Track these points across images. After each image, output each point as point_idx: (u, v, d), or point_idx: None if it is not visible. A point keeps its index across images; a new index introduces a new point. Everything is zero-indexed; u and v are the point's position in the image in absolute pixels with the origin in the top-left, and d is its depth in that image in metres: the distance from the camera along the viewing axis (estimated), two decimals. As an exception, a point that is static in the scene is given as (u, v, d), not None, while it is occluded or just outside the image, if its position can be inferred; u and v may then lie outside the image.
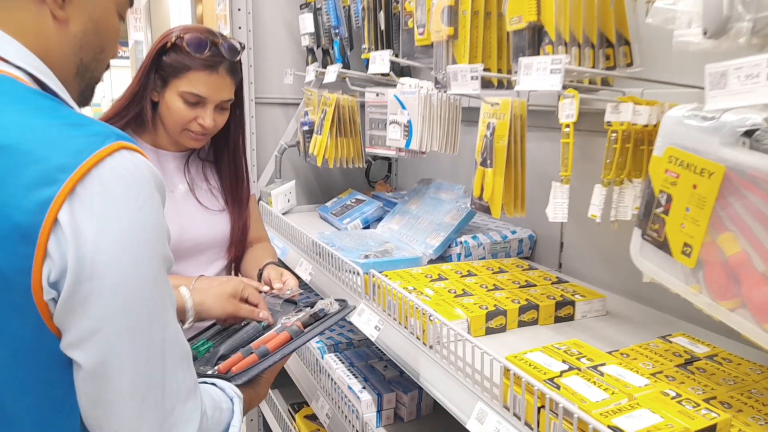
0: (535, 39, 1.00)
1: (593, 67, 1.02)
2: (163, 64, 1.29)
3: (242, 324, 1.06)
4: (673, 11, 0.78)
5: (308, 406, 2.11)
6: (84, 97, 0.79)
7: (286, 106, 2.36)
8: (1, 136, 0.59)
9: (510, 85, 1.24)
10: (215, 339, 1.03)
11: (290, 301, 1.11)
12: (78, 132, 0.62)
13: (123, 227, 0.62)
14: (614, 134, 1.00)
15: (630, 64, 1.08)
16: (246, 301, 1.10)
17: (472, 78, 1.04)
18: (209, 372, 0.93)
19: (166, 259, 0.68)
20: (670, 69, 1.16)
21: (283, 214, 2.09)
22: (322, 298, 1.06)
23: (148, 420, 0.66)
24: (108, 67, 0.82)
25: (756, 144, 0.69)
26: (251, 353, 0.93)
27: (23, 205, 0.58)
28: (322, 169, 2.38)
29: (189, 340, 1.07)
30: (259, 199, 2.20)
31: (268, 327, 1.03)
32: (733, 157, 0.72)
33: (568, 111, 0.95)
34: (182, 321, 1.04)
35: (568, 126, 0.96)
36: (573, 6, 0.97)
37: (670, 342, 1.06)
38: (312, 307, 1.02)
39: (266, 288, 1.19)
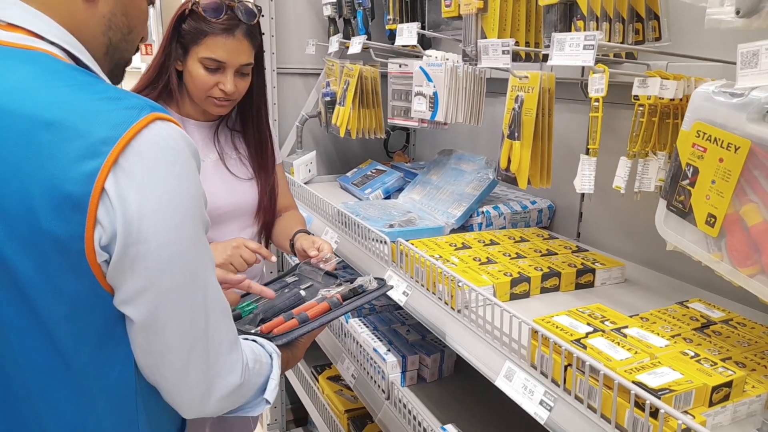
0: (566, 13, 1.02)
1: (622, 41, 1.04)
2: (182, 32, 1.32)
3: (285, 291, 1.13)
4: (706, -11, 0.80)
5: (330, 368, 2.20)
6: (114, 76, 0.83)
7: (306, 76, 2.38)
8: (47, 112, 0.64)
9: (537, 58, 1.26)
10: (259, 301, 1.10)
11: (331, 275, 1.18)
12: (115, 105, 0.66)
13: (163, 194, 0.67)
14: (641, 108, 1.03)
15: (658, 38, 1.10)
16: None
17: (503, 52, 1.07)
18: (253, 331, 1.00)
19: (203, 221, 0.73)
20: (696, 42, 1.18)
21: (305, 183, 2.14)
22: (361, 275, 1.12)
23: (195, 368, 0.73)
24: (138, 49, 0.85)
25: (782, 120, 0.73)
26: (292, 318, 1.00)
27: (73, 177, 0.63)
28: (341, 140, 2.42)
29: None
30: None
31: (309, 296, 1.10)
32: (759, 132, 0.75)
33: (597, 85, 0.98)
34: None
35: (597, 100, 0.99)
36: (605, -19, 0.98)
37: (687, 307, 1.11)
38: (352, 283, 1.09)
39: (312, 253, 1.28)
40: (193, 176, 0.71)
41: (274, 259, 1.26)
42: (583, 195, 1.60)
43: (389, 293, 1.31)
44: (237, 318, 1.07)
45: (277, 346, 0.93)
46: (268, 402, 0.86)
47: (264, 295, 1.08)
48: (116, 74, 0.83)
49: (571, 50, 0.92)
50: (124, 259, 0.66)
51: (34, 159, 0.63)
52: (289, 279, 1.20)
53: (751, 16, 0.74)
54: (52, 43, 0.71)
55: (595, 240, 1.57)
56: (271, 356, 0.89)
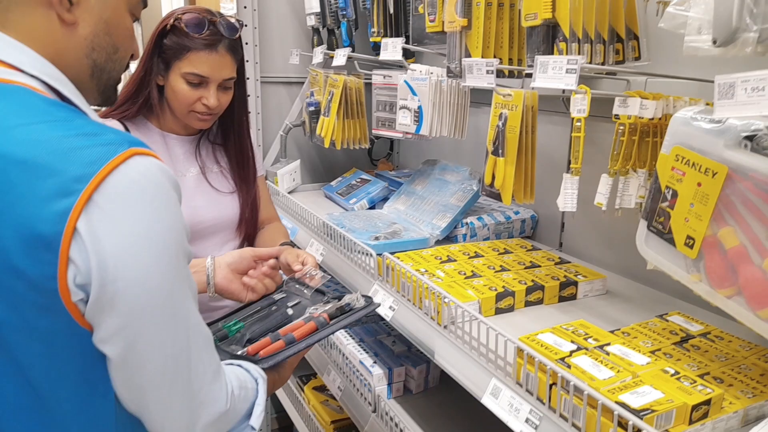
0: (549, 35, 1.04)
1: (603, 62, 1.06)
2: (164, 47, 1.31)
3: (272, 308, 1.12)
4: (684, 17, 0.82)
5: (316, 377, 2.20)
6: (106, 97, 0.81)
7: (289, 85, 2.37)
8: (20, 150, 0.62)
9: (520, 74, 1.28)
10: (246, 320, 1.10)
11: (319, 291, 1.18)
12: (92, 142, 0.64)
13: (141, 230, 0.65)
14: (621, 127, 1.05)
15: (638, 58, 1.12)
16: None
17: (487, 72, 1.08)
18: (239, 352, 1.00)
19: (185, 253, 0.72)
20: (674, 60, 1.20)
21: (289, 193, 2.14)
22: (349, 292, 1.12)
23: (178, 400, 0.72)
24: (128, 66, 0.84)
25: (757, 147, 0.75)
26: (279, 339, 0.99)
27: (44, 216, 0.61)
28: (326, 148, 2.41)
29: (222, 319, 1.13)
30: (266, 179, 2.23)
31: (296, 314, 1.10)
32: (735, 158, 0.78)
33: (579, 106, 1.00)
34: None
35: (579, 120, 1.01)
36: (586, 4, 1.00)
37: (667, 321, 1.14)
38: (339, 300, 1.09)
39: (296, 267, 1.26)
40: (174, 209, 0.70)
41: None
42: (565, 206, 1.62)
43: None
44: (223, 338, 1.06)
45: (263, 368, 0.92)
46: (253, 428, 0.86)
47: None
48: (108, 96, 0.82)
49: (555, 73, 0.93)
50: (102, 297, 0.64)
51: (6, 198, 0.61)
52: (277, 296, 1.19)
53: (727, 46, 0.76)
54: (32, 76, 0.69)
55: (577, 250, 1.60)
56: (256, 381, 0.89)
